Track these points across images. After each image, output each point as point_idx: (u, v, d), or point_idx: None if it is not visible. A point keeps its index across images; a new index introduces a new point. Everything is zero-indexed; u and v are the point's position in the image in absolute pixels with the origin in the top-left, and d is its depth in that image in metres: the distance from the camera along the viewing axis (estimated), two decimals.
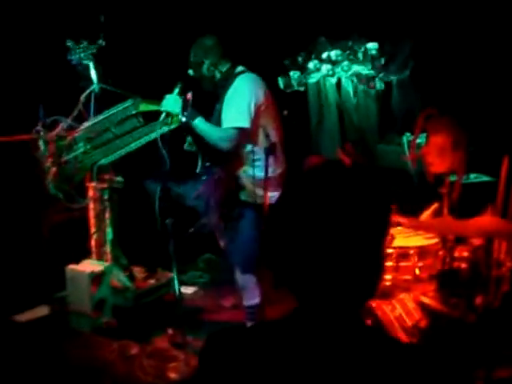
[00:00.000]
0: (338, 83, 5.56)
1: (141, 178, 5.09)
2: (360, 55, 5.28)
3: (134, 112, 3.90)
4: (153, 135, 3.80)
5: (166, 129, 3.50)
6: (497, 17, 4.41)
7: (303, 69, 5.56)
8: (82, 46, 3.99)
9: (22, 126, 4.07)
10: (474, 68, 4.47)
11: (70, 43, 4.02)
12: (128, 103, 3.91)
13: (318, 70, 5.46)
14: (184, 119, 3.33)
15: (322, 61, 5.47)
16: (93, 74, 4.04)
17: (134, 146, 3.93)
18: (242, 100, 3.28)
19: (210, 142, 3.33)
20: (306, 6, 5.22)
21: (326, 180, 1.08)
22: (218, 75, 3.45)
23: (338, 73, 5.41)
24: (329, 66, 5.40)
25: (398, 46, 5.20)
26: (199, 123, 3.32)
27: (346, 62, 5.33)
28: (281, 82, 5.57)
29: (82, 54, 4.00)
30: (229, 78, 3.41)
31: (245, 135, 3.30)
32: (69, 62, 4.27)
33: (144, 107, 3.89)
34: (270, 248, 1.11)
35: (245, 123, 3.26)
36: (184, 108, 3.33)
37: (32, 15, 4.74)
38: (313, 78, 5.58)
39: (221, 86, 3.44)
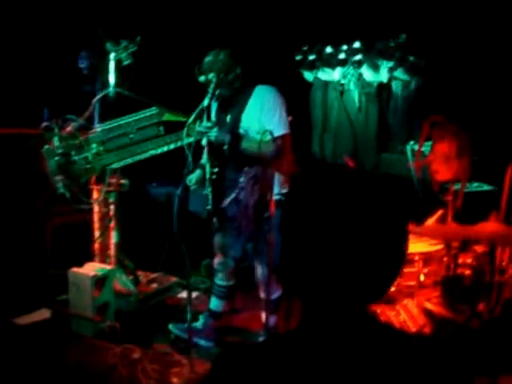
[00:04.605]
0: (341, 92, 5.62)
1: (145, 182, 5.11)
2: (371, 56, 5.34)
3: (157, 120, 3.85)
4: (172, 146, 3.79)
5: (186, 141, 3.46)
6: (504, 27, 4.47)
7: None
8: (122, 45, 3.93)
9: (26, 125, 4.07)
10: (478, 77, 4.52)
11: (109, 45, 3.95)
12: (153, 111, 3.86)
13: (334, 55, 5.51)
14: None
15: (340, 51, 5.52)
16: (111, 77, 3.97)
17: (150, 153, 3.88)
18: (279, 109, 3.35)
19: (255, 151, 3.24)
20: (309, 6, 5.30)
21: (336, 185, 1.11)
22: (238, 84, 3.44)
23: (349, 73, 5.45)
24: (342, 68, 5.45)
25: (405, 50, 5.25)
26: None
27: (358, 57, 5.36)
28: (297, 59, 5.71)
29: (124, 54, 3.93)
30: (243, 88, 3.44)
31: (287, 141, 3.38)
32: (75, 66, 4.26)
33: (168, 117, 3.86)
34: (282, 250, 1.13)
35: (286, 129, 3.35)
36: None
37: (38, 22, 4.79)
38: (325, 72, 5.63)
39: (235, 94, 3.45)
